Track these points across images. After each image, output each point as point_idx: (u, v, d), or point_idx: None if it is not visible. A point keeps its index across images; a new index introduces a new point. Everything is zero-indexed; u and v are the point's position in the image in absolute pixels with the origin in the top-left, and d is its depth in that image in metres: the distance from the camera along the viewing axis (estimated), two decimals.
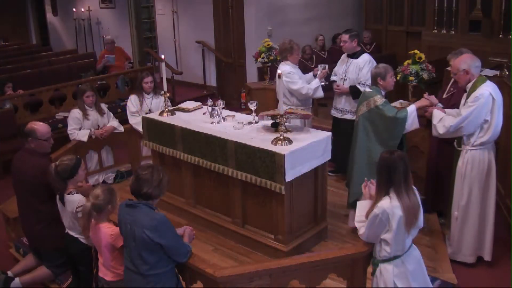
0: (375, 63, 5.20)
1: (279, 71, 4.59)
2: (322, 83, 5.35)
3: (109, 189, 3.35)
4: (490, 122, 3.91)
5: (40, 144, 3.97)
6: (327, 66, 5.36)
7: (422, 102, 4.29)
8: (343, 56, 5.63)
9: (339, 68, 5.64)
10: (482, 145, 4.00)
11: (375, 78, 4.34)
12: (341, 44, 5.53)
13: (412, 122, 4.21)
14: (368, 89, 4.45)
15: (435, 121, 4.15)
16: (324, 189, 4.51)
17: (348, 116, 5.51)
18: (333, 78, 5.67)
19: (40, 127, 4.00)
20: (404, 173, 2.92)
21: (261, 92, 6.57)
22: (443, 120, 4.07)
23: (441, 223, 4.75)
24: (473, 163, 4.04)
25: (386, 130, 4.26)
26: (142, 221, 2.92)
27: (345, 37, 5.40)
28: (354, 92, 5.34)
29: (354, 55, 5.42)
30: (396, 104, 5.28)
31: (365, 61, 5.34)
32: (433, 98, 4.43)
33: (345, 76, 5.45)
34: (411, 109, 4.22)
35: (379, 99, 4.26)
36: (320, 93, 5.34)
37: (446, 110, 4.28)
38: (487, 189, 4.08)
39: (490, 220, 4.12)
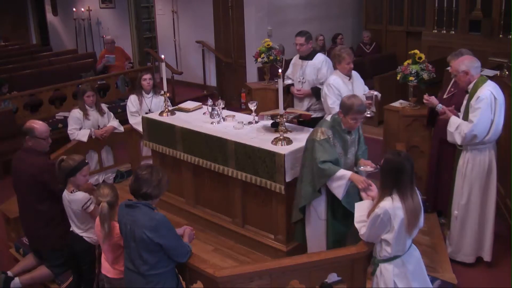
0: (330, 62, 5.11)
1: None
2: (368, 114, 4.49)
3: (112, 186, 3.39)
4: (492, 122, 3.91)
5: (38, 143, 3.97)
6: (380, 95, 4.76)
7: (358, 181, 3.43)
8: (296, 60, 5.41)
9: (294, 72, 5.45)
10: (483, 144, 3.99)
11: (340, 108, 3.67)
12: (297, 47, 5.25)
13: (336, 186, 3.53)
14: (328, 117, 3.81)
15: (451, 129, 4.06)
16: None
17: (318, 114, 5.14)
18: (288, 82, 5.49)
19: (38, 125, 4.01)
20: (411, 174, 2.92)
21: (261, 92, 6.56)
22: (460, 127, 3.99)
23: (441, 223, 4.75)
24: (474, 163, 4.04)
25: (311, 169, 3.64)
26: (141, 222, 2.92)
27: (301, 40, 5.11)
28: (316, 93, 5.18)
29: (309, 57, 5.24)
30: (396, 104, 5.29)
31: (322, 60, 5.16)
32: (433, 99, 4.42)
33: (303, 79, 5.24)
34: (343, 174, 3.49)
35: (322, 134, 3.61)
36: None
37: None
38: (487, 189, 4.08)
39: (490, 220, 4.12)
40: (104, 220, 3.20)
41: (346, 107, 3.55)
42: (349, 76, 4.76)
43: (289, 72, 5.56)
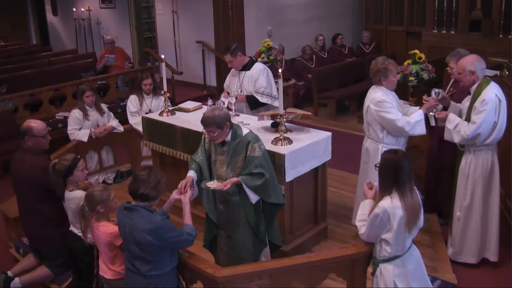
0: (270, 72, 4.97)
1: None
2: (433, 113, 4.12)
3: (104, 190, 3.33)
4: (496, 123, 3.90)
5: (37, 142, 3.96)
6: (441, 92, 4.13)
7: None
8: (233, 71, 5.13)
9: (232, 83, 5.13)
10: (486, 146, 3.98)
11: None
12: (229, 65, 5.01)
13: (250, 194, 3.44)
14: (245, 130, 3.51)
15: (450, 126, 3.99)
16: (324, 189, 4.50)
17: None
18: (227, 90, 5.21)
19: (36, 124, 4.01)
20: (409, 171, 2.92)
21: None
22: (459, 126, 3.95)
23: (441, 223, 4.75)
24: (477, 164, 4.01)
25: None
26: (140, 225, 2.92)
27: (228, 57, 4.88)
28: (250, 102, 4.98)
29: (245, 67, 4.98)
30: None
31: (260, 70, 4.89)
32: (432, 100, 4.40)
33: (240, 91, 5.00)
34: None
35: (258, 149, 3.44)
36: (421, 130, 4.07)
37: (452, 102, 4.25)
38: (490, 190, 4.06)
39: (494, 220, 4.10)
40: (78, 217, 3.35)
41: None
42: (393, 90, 4.18)
43: (226, 83, 5.27)
